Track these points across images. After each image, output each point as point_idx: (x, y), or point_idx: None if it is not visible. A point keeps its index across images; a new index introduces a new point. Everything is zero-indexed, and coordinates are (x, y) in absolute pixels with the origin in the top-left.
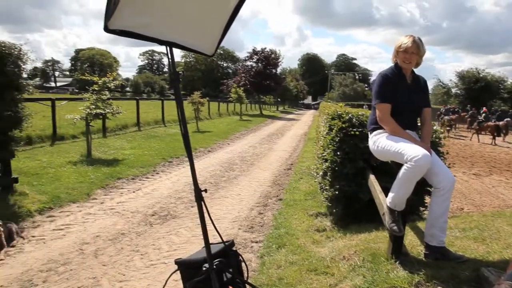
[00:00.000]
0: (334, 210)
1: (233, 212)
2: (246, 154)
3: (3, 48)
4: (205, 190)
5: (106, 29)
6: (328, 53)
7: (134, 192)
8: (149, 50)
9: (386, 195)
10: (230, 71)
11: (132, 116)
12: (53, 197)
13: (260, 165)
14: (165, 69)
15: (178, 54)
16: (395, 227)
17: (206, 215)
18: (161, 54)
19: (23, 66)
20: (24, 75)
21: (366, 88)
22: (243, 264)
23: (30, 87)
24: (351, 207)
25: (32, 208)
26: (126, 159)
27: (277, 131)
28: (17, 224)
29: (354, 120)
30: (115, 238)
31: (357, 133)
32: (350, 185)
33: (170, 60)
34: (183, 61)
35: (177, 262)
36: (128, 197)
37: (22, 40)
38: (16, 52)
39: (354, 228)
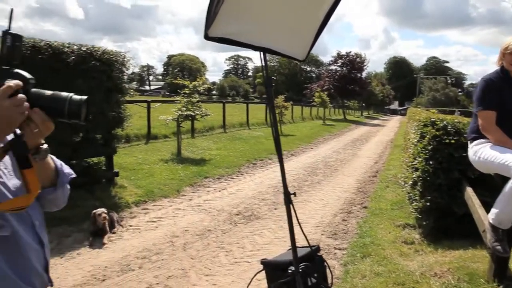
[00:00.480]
0: (424, 223)
1: (316, 217)
2: (330, 159)
3: (111, 56)
4: (294, 194)
5: (206, 37)
6: (416, 56)
7: (220, 191)
8: (235, 55)
9: (486, 210)
10: (314, 75)
11: (218, 118)
12: (147, 191)
13: (344, 171)
14: (250, 73)
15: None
16: (499, 247)
17: (294, 218)
18: (246, 59)
19: (125, 72)
20: (126, 80)
21: (460, 93)
22: (327, 270)
23: (131, 90)
24: (443, 220)
25: (130, 200)
26: (212, 159)
27: (362, 136)
28: (118, 213)
29: (449, 127)
30: (202, 234)
31: (452, 141)
32: (442, 197)
33: (264, 65)
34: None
35: (263, 262)
36: (214, 196)
37: (123, 48)
38: (120, 59)
39: (446, 243)
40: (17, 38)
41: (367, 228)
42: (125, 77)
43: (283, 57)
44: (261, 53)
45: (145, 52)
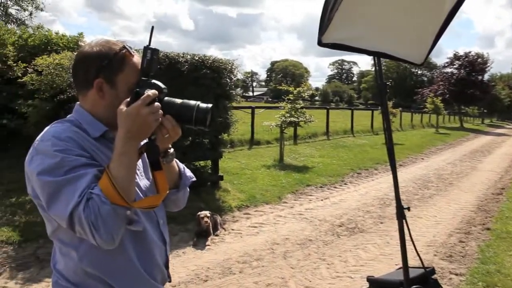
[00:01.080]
0: None
1: (427, 235)
2: (444, 171)
3: (220, 64)
4: (408, 208)
5: (320, 43)
6: None
7: (322, 200)
8: (339, 60)
9: None
10: (425, 79)
11: (321, 125)
12: (249, 196)
13: (461, 185)
14: (354, 78)
15: (367, 62)
16: None
17: (406, 235)
18: (351, 64)
19: (233, 79)
20: (233, 86)
21: None
22: None
23: (238, 96)
24: None
25: (233, 204)
26: (315, 167)
27: (483, 147)
28: (221, 216)
29: None
30: (303, 243)
31: None
32: None
33: (378, 69)
34: (373, 69)
35: (370, 280)
36: (316, 205)
37: (229, 56)
38: (229, 67)
39: None
40: (155, 52)
41: (491, 254)
42: (233, 84)
43: (399, 61)
44: (375, 58)
45: (250, 59)
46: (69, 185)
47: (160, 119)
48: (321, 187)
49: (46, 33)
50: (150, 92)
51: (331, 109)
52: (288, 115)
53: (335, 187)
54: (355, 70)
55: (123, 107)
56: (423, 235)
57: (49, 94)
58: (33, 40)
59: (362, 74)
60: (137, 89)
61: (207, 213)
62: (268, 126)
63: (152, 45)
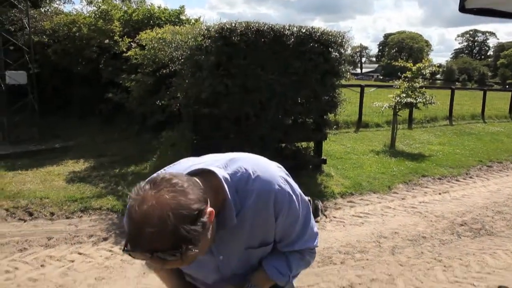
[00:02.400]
0: None
1: None
2: None
3: (330, 37)
4: None
5: (462, 9)
6: None
7: (440, 194)
8: (470, 30)
9: None
10: None
11: (443, 108)
12: (355, 183)
13: None
14: (489, 53)
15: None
16: None
17: None
18: (486, 34)
19: (344, 53)
20: (342, 62)
21: None
22: None
23: (348, 73)
24: None
25: (336, 191)
26: (433, 155)
27: None
28: (322, 202)
29: None
30: (415, 240)
31: None
32: None
33: None
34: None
35: None
36: (432, 198)
37: (336, 28)
38: (339, 40)
39: None
40: None
41: None
42: (343, 60)
43: None
44: None
45: (359, 31)
46: None
47: None
48: (439, 178)
49: (149, 7)
50: None
51: (457, 89)
52: (404, 95)
53: (457, 180)
54: (492, 42)
55: None
56: None
57: (151, 68)
58: (137, 15)
59: (502, 47)
60: None
61: (308, 197)
62: (379, 107)
63: (252, 18)
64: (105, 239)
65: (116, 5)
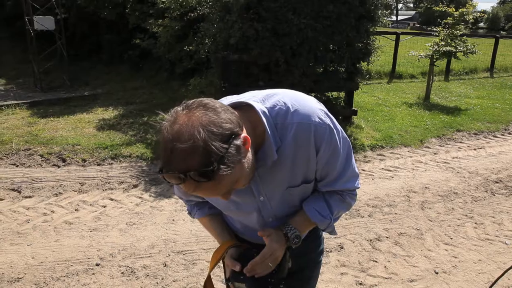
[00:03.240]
0: None
1: None
2: None
3: None
4: None
5: None
6: None
7: (475, 149)
8: None
9: None
10: None
11: (484, 59)
12: (385, 136)
13: None
14: None
15: None
16: None
17: None
18: None
19: None
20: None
21: None
22: None
23: (385, 18)
24: None
25: (366, 143)
26: (469, 109)
27: None
28: None
29: None
30: (446, 196)
31: None
32: None
33: None
34: None
35: None
36: (466, 154)
37: None
38: None
39: None
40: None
41: None
42: (379, 3)
43: None
44: None
45: None
46: None
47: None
48: (475, 134)
49: None
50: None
51: (501, 38)
52: (443, 43)
53: (494, 136)
54: None
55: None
56: None
57: (178, 12)
58: None
59: None
60: None
61: None
62: (415, 56)
63: None
64: (135, 186)
65: None
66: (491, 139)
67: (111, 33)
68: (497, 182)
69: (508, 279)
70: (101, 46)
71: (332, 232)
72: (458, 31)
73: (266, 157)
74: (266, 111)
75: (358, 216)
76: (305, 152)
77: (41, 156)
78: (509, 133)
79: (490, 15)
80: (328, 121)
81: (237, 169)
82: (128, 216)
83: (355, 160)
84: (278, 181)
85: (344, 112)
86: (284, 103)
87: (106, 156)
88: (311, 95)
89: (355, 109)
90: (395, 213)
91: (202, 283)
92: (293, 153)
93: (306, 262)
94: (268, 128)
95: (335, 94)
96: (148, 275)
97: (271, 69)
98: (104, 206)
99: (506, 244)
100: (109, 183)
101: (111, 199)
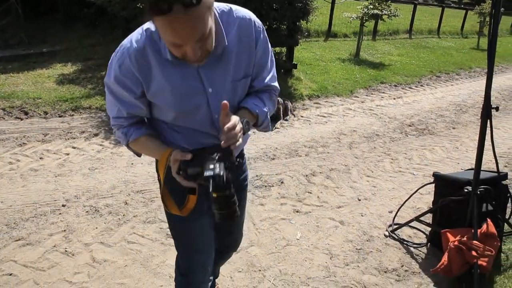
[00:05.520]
0: None
1: (502, 146)
2: None
3: None
4: (497, 108)
5: None
6: None
7: (394, 99)
8: None
9: None
10: None
11: (404, 22)
12: (321, 87)
13: None
14: None
15: None
16: None
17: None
18: None
19: None
20: None
21: None
22: (510, 202)
23: None
24: None
25: (304, 93)
26: (391, 65)
27: None
28: (291, 103)
29: None
30: (370, 137)
31: None
32: None
33: None
34: None
35: (436, 175)
36: (387, 102)
37: None
38: None
39: None
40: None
41: None
42: None
43: None
44: None
45: None
46: None
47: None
48: (395, 85)
49: None
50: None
51: (419, 5)
52: (372, 6)
53: (410, 88)
54: None
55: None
56: (497, 146)
57: None
58: None
59: None
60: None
61: (279, 98)
62: (347, 17)
63: None
64: (95, 134)
65: None
66: (407, 90)
67: None
68: (410, 126)
69: (413, 202)
70: (56, 5)
71: (267, 127)
72: None
73: (218, 44)
74: (217, 9)
75: (296, 155)
76: (247, 45)
77: (3, 109)
78: (422, 86)
79: None
80: (261, 22)
81: (211, 19)
82: (90, 162)
83: (295, 108)
84: (225, 74)
85: (285, 66)
86: (229, 6)
87: (67, 108)
88: None
89: (295, 63)
90: (328, 152)
91: (160, 217)
92: (236, 48)
93: (236, 187)
94: (219, 19)
95: (277, 49)
96: (111, 213)
97: None
98: (67, 154)
99: (413, 174)
100: (71, 133)
101: (74, 147)
